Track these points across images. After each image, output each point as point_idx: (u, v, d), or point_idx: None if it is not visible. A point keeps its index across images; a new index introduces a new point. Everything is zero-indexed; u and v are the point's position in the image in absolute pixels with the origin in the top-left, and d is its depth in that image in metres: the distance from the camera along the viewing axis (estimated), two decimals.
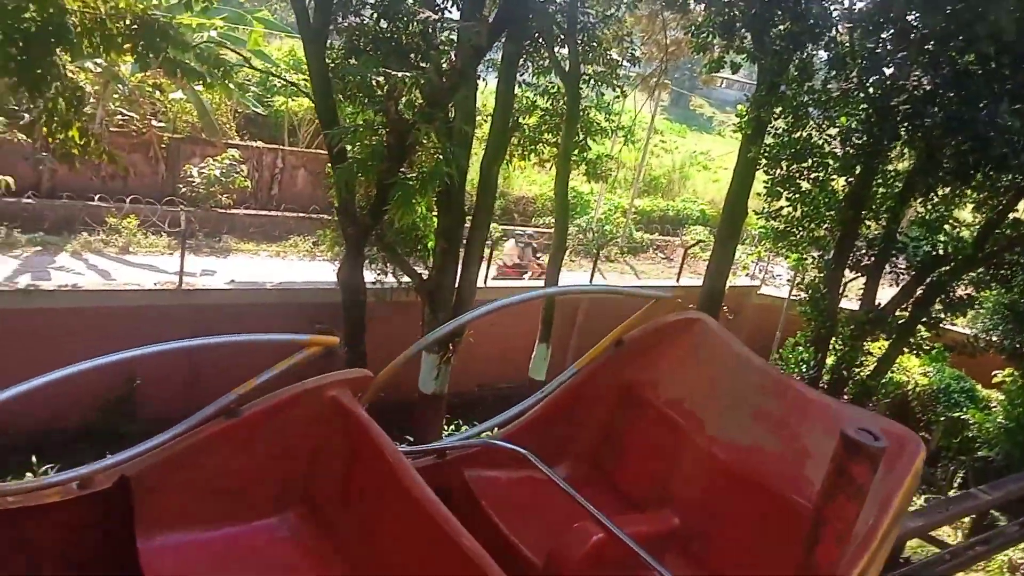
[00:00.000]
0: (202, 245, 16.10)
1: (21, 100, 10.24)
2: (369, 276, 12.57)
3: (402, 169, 9.41)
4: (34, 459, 10.59)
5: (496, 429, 3.67)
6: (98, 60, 13.55)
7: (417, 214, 11.54)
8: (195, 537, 2.47)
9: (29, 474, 10.61)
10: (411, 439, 13.47)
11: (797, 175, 11.70)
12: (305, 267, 16.16)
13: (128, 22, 8.29)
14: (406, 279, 12.73)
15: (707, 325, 3.64)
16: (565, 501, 2.86)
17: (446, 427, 13.98)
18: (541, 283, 16.46)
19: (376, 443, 2.48)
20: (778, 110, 11.31)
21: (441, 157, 8.55)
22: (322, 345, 2.59)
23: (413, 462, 3.05)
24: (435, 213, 12.27)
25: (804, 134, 11.34)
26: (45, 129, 8.38)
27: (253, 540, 2.58)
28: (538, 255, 19.46)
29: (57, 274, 13.49)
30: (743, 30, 11.44)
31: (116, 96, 16.28)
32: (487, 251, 14.63)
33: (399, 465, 2.39)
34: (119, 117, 16.44)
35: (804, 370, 12.07)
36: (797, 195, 11.85)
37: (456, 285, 12.40)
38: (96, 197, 15.68)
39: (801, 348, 12.85)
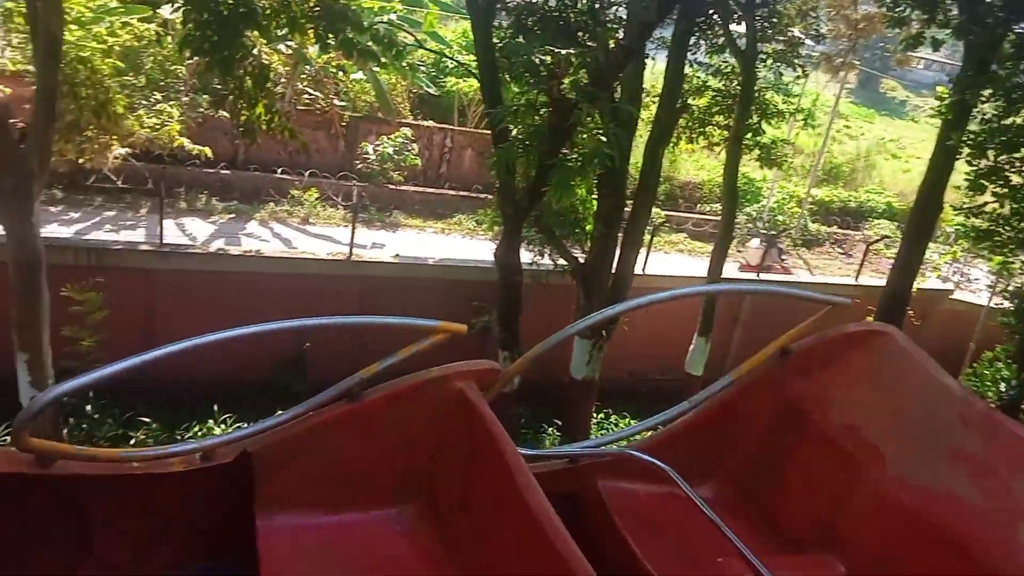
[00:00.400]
0: (374, 219, 16.92)
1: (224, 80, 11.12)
2: (526, 257, 12.59)
3: (563, 150, 9.27)
4: (215, 408, 11.63)
5: (647, 431, 3.34)
6: (289, 42, 14.50)
7: (576, 196, 11.37)
8: (312, 520, 2.46)
9: (211, 421, 11.70)
10: (560, 423, 13.50)
11: (1007, 167, 10.33)
12: (466, 245, 16.54)
13: (311, 4, 8.72)
14: (562, 261, 12.62)
15: (895, 340, 3.09)
16: (708, 528, 2.57)
17: (595, 414, 13.83)
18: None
19: (497, 444, 2.33)
20: (987, 92, 10.01)
21: (603, 138, 8.30)
22: (449, 332, 2.48)
23: (542, 466, 2.87)
24: (595, 196, 12.04)
25: (1019, 120, 9.96)
26: (234, 106, 9.04)
27: (369, 530, 2.53)
28: (783, 257, 18.76)
29: (246, 240, 14.68)
30: (948, 1, 10.19)
31: (304, 77, 17.39)
32: (648, 237, 14.20)
33: (518, 471, 2.23)
34: (305, 96, 17.56)
35: (1003, 389, 10.71)
36: (1006, 189, 10.49)
37: (613, 270, 12.14)
38: (280, 170, 16.90)
39: (1001, 364, 11.42)
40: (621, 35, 9.02)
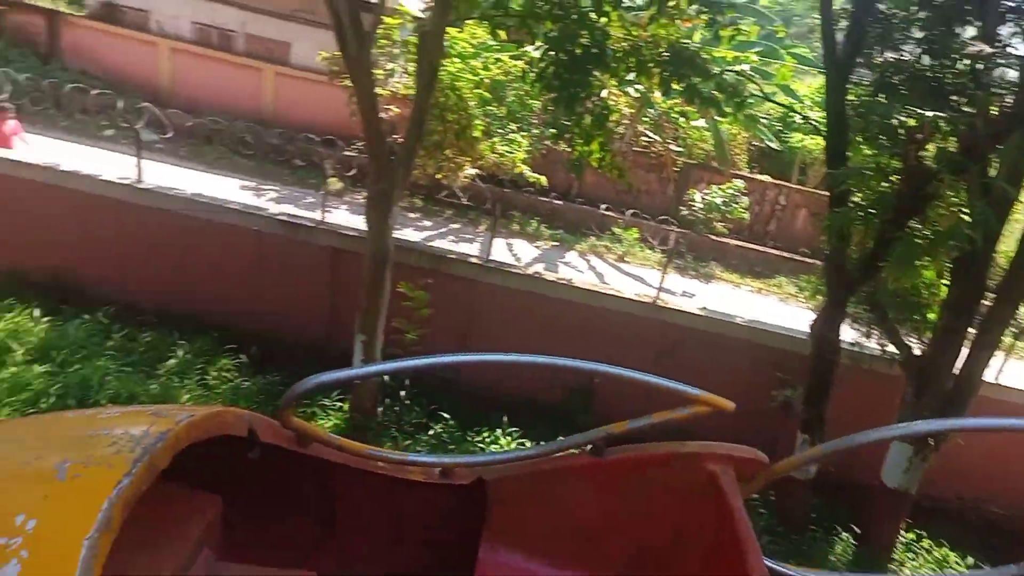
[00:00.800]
0: (688, 267, 16.68)
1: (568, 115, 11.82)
2: (848, 335, 11.32)
3: (910, 223, 8.17)
4: (505, 419, 12.27)
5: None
6: (637, 86, 14.95)
7: (920, 277, 9.94)
8: (532, 566, 2.34)
9: (499, 430, 12.35)
10: (859, 531, 11.76)
11: None
12: (781, 309, 15.46)
13: (661, 50, 8.83)
14: (892, 348, 11.09)
15: None
16: None
17: (904, 533, 11.84)
18: None
19: (740, 546, 1.99)
20: None
21: (966, 216, 7.12)
22: (712, 407, 2.20)
23: None
24: (945, 281, 10.40)
25: None
26: (572, 141, 9.50)
27: None
28: None
29: (563, 268, 15.42)
30: None
31: (645, 120, 17.81)
32: (1011, 339, 11.90)
33: None
34: (644, 139, 17.97)
35: None
36: None
37: (956, 371, 10.34)
38: (604, 206, 17.47)
39: None
40: (1009, 101, 7.67)
